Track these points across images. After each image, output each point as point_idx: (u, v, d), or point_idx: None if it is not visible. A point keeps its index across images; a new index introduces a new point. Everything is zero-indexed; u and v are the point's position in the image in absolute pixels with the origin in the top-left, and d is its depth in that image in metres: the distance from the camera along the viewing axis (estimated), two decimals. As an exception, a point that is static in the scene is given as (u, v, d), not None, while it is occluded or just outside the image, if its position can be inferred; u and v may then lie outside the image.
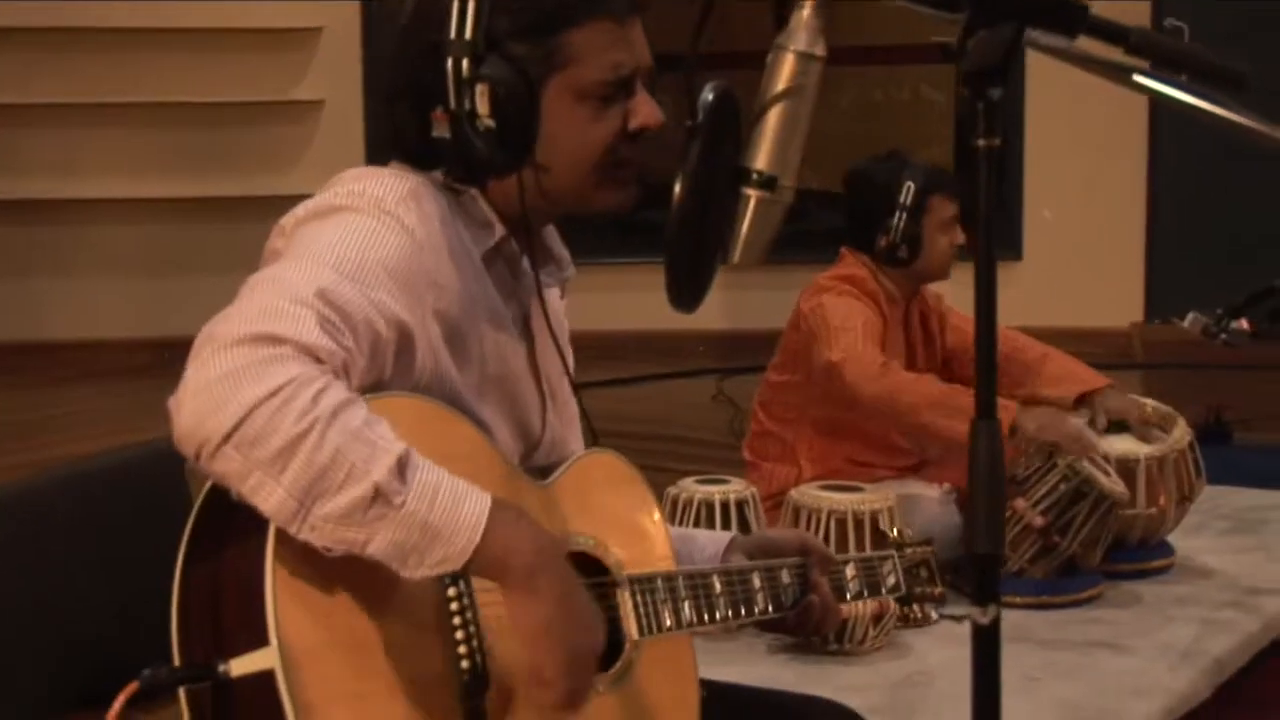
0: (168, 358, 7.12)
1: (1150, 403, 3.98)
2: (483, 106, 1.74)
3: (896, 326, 3.99)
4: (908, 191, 3.85)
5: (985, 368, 1.42)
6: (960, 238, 3.94)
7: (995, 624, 1.43)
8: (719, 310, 7.33)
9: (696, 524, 3.45)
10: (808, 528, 3.35)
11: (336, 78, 7.96)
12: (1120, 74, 1.59)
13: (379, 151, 1.89)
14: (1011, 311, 6.69)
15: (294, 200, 1.79)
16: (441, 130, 1.76)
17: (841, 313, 3.80)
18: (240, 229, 7.26)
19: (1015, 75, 7.62)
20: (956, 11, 1.44)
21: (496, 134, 1.75)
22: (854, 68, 9.21)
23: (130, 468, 2.14)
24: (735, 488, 3.54)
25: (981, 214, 1.42)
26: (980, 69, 1.39)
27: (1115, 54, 1.54)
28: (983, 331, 1.42)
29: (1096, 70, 1.59)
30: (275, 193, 7.31)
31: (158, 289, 8.02)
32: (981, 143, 1.40)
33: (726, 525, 3.43)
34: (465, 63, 1.74)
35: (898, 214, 3.85)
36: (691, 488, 3.53)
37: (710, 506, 3.47)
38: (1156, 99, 1.58)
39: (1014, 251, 8.11)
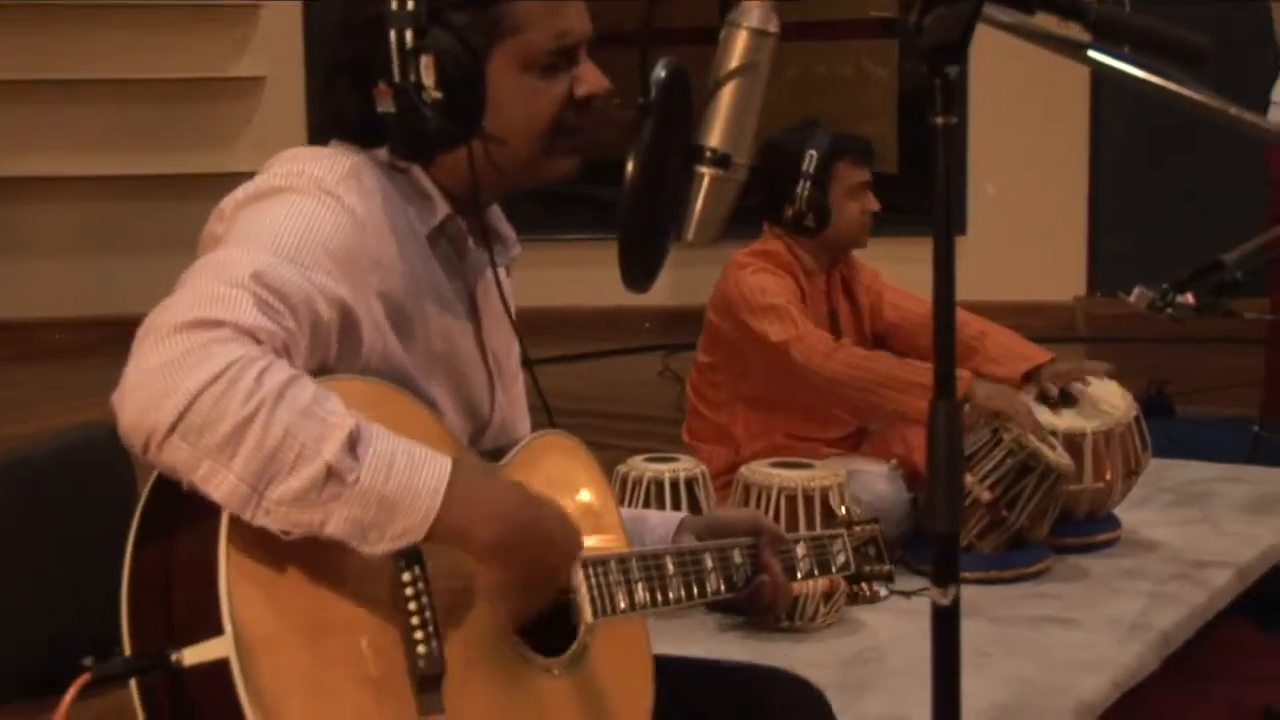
0: (109, 336, 7.10)
1: (1088, 362, 4.01)
2: (429, 78, 1.71)
3: (818, 298, 3.97)
4: (811, 159, 3.83)
5: (944, 347, 1.42)
6: (873, 204, 3.92)
7: (955, 604, 1.43)
8: (665, 286, 7.24)
9: (646, 502, 3.43)
10: (758, 505, 3.34)
11: (277, 54, 7.90)
12: (1074, 50, 1.59)
13: (321, 130, 1.86)
14: (956, 286, 6.74)
15: (236, 178, 1.76)
16: (386, 105, 1.73)
17: (761, 289, 3.79)
18: (182, 206, 7.20)
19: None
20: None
21: (444, 105, 1.72)
22: (797, 43, 9.21)
23: (74, 450, 2.12)
24: (685, 465, 3.53)
25: (939, 191, 1.41)
26: (939, 45, 1.38)
27: (1069, 29, 1.54)
28: (941, 311, 1.42)
29: (1051, 46, 1.59)
30: (217, 170, 7.25)
31: (99, 267, 7.94)
32: (940, 120, 1.39)
33: (676, 503, 3.42)
34: (409, 34, 1.71)
35: (801, 182, 3.83)
36: (641, 466, 3.52)
37: (660, 485, 3.46)
38: (1110, 74, 1.58)
39: (958, 226, 8.13)
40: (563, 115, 1.82)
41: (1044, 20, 1.52)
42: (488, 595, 1.66)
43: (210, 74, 7.90)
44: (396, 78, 1.71)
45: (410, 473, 1.55)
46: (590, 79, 1.83)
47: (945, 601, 1.42)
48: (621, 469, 3.52)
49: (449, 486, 1.56)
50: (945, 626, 1.43)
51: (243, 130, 7.97)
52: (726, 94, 1.65)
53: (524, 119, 1.80)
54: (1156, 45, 1.47)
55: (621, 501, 3.37)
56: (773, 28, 1.66)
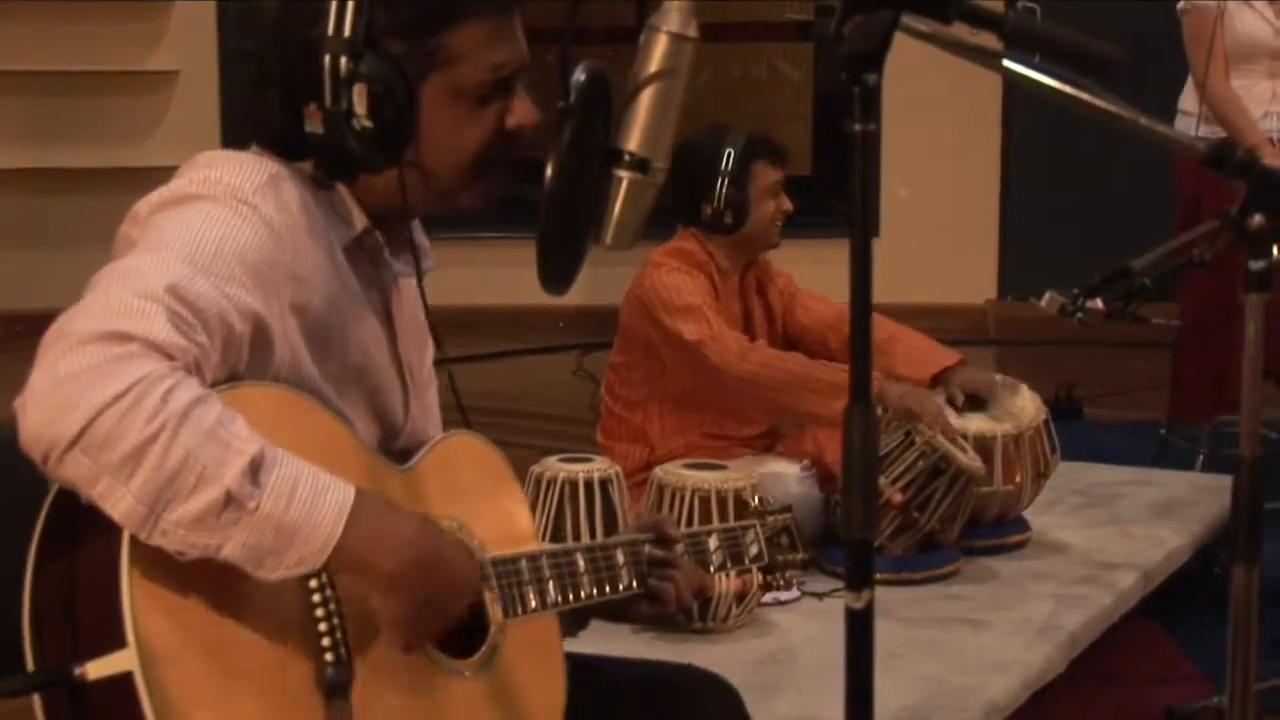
0: (18, 331, 7.01)
1: (999, 377, 4.04)
2: (360, 106, 1.69)
3: (731, 297, 4.00)
4: (729, 158, 3.86)
5: (861, 352, 1.43)
6: (786, 204, 3.95)
7: (869, 608, 1.44)
8: (580, 286, 7.20)
9: (560, 503, 3.43)
10: (671, 506, 3.35)
11: (191, 49, 7.83)
12: (990, 59, 1.60)
13: (236, 126, 1.84)
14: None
15: (150, 172, 1.75)
16: (314, 126, 1.71)
17: (676, 289, 3.80)
18: (93, 201, 7.13)
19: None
20: (831, -3, 1.44)
21: (373, 134, 1.70)
22: (712, 44, 9.24)
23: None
24: (599, 466, 3.53)
25: (857, 198, 1.43)
26: (857, 54, 1.39)
27: (984, 39, 1.56)
28: (858, 315, 1.42)
29: (967, 55, 1.60)
30: (129, 165, 7.18)
31: (7, 262, 7.84)
32: (858, 127, 1.40)
33: (591, 504, 3.41)
34: (344, 60, 1.69)
35: (720, 180, 3.86)
36: (555, 466, 3.51)
37: (574, 485, 3.45)
38: (1023, 83, 1.60)
39: (871, 229, 8.18)
40: (489, 145, 1.81)
41: (959, 29, 1.54)
42: (386, 624, 1.65)
43: (123, 67, 7.81)
44: (328, 102, 1.70)
45: (312, 501, 1.53)
46: (521, 111, 1.82)
47: (859, 606, 1.43)
48: (535, 469, 3.51)
49: (350, 517, 1.55)
50: (859, 630, 1.45)
51: (156, 125, 7.89)
52: (645, 98, 1.66)
53: (450, 149, 1.79)
54: (1069, 55, 1.49)
55: (535, 502, 3.38)
56: (692, 32, 1.67)
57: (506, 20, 1.79)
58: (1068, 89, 1.59)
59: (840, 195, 8.77)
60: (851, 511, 1.43)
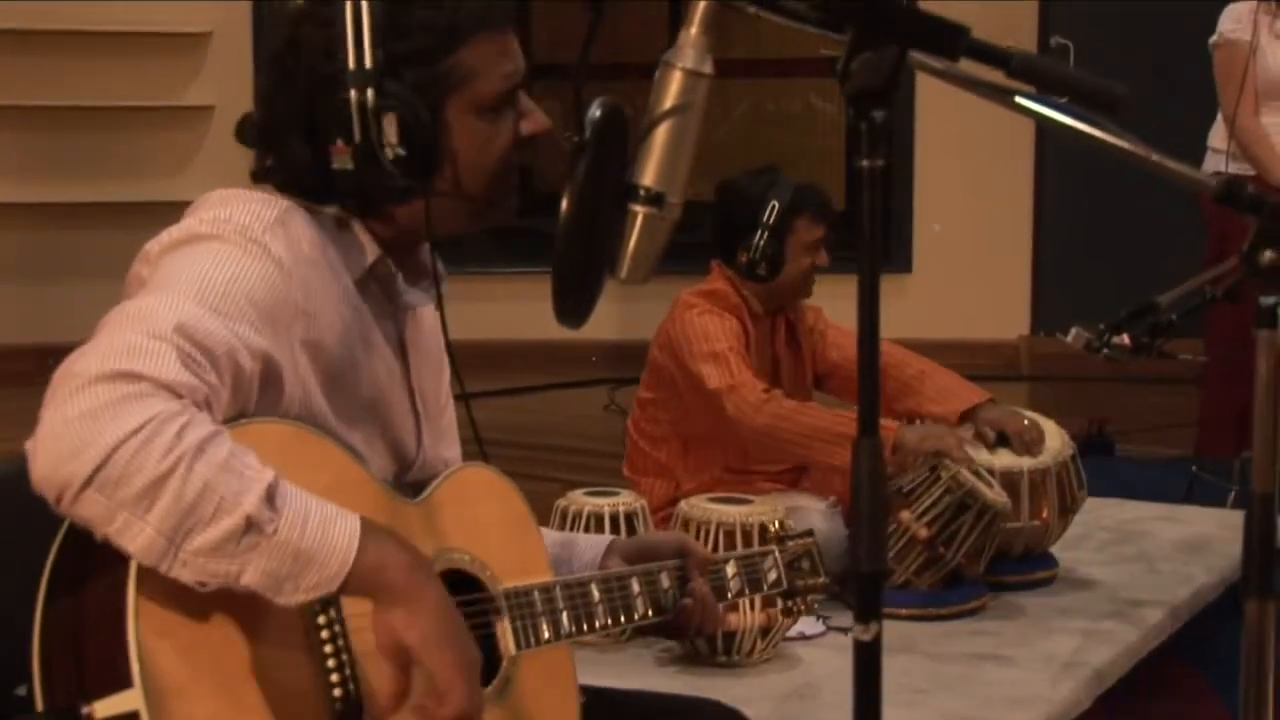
0: (51, 364, 7.02)
1: (1028, 414, 4.02)
2: (392, 136, 1.72)
3: (762, 341, 4.00)
4: (772, 210, 3.84)
5: (868, 386, 1.44)
6: (824, 260, 3.92)
7: (877, 640, 1.44)
8: (612, 321, 7.34)
9: (585, 536, 3.44)
10: (697, 540, 3.34)
11: (227, 83, 7.88)
12: (1003, 96, 1.61)
13: (265, 180, 1.85)
14: (902, 324, 6.78)
15: (183, 207, 1.76)
16: (343, 163, 1.74)
17: (706, 333, 3.81)
18: (129, 235, 7.12)
19: (905, 91, 7.75)
20: (841, 33, 1.46)
21: (405, 162, 1.73)
22: (747, 79, 9.27)
23: (6, 480, 2.10)
24: (624, 499, 3.54)
25: (866, 232, 1.43)
26: (865, 90, 1.41)
27: (999, 76, 1.57)
28: (866, 350, 1.43)
29: (981, 92, 1.61)
30: (164, 199, 7.21)
31: (43, 294, 7.90)
32: (865, 163, 1.41)
33: (615, 537, 3.43)
34: (370, 93, 1.72)
35: (759, 232, 3.85)
36: (580, 500, 3.53)
37: (599, 518, 3.47)
38: (1037, 120, 1.60)
39: (904, 265, 8.19)
40: (511, 156, 1.84)
41: (973, 67, 1.55)
42: (416, 648, 1.62)
43: (160, 102, 7.88)
44: (357, 137, 1.72)
45: (325, 527, 1.55)
46: (534, 118, 1.86)
47: (867, 638, 1.44)
48: (561, 502, 3.53)
49: (361, 540, 1.57)
50: (868, 662, 1.45)
51: (191, 159, 7.95)
52: (661, 133, 1.67)
53: (478, 164, 1.82)
54: (1075, 92, 1.49)
55: (560, 535, 3.39)
56: (707, 69, 1.68)
57: (507, 33, 1.83)
58: (1081, 125, 1.60)
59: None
60: (860, 545, 1.43)
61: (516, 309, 7.40)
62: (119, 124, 7.86)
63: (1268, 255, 1.58)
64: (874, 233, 1.42)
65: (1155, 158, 1.64)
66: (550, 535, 2.04)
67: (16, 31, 7.65)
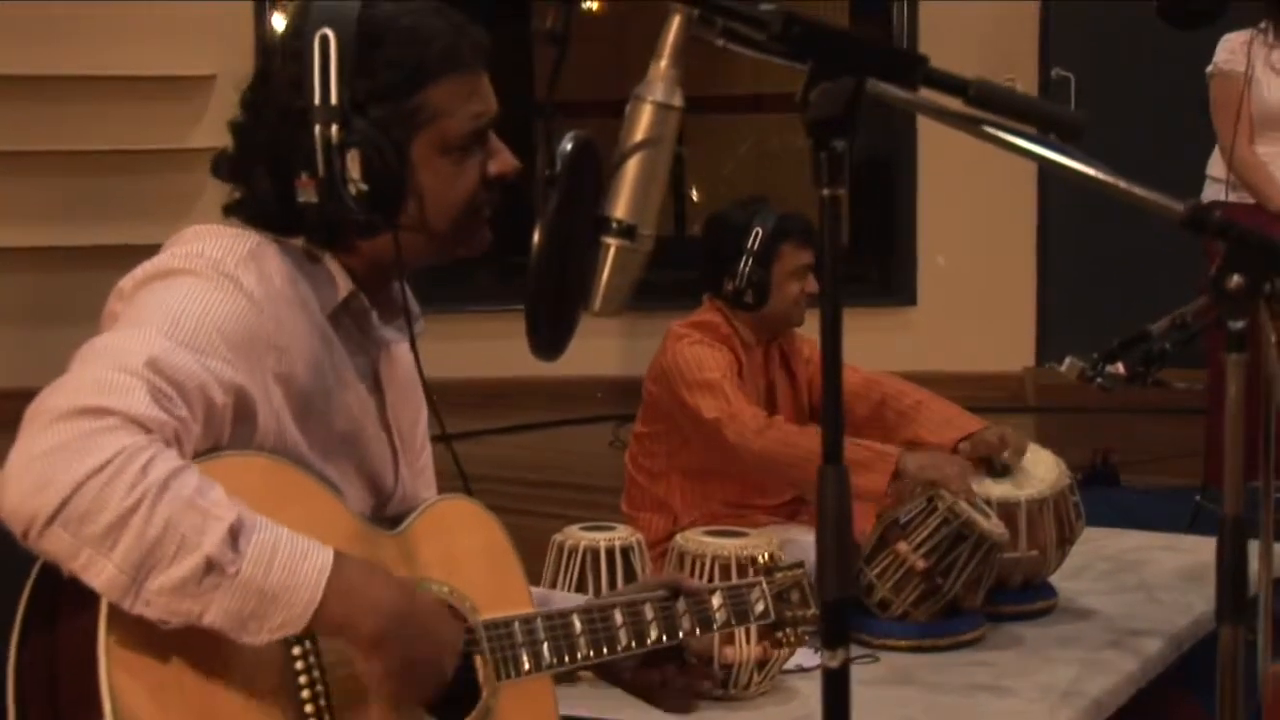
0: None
1: (1010, 431, 4.00)
2: (355, 171, 1.74)
3: (755, 371, 4.01)
4: (756, 237, 3.87)
5: (832, 413, 1.45)
6: (812, 286, 3.93)
7: (845, 667, 1.45)
8: (617, 357, 7.36)
9: (582, 571, 3.44)
10: (692, 573, 3.35)
11: (231, 126, 7.91)
12: (970, 124, 1.62)
13: (232, 214, 1.88)
14: (907, 357, 6.79)
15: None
16: (308, 196, 1.75)
17: (699, 363, 3.82)
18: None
19: (908, 126, 7.76)
20: (803, 63, 1.47)
21: (368, 197, 1.75)
22: (750, 115, 9.30)
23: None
24: (621, 534, 3.54)
25: (827, 261, 1.44)
26: (823, 120, 1.42)
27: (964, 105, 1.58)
28: (829, 377, 1.45)
29: (949, 121, 1.62)
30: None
31: (49, 338, 7.91)
32: (825, 192, 1.42)
33: (612, 572, 3.43)
34: (335, 129, 1.73)
35: (744, 259, 3.87)
36: (576, 534, 3.53)
37: (595, 553, 3.47)
38: (1003, 148, 1.61)
39: (909, 297, 8.20)
40: (477, 194, 1.86)
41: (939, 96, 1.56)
42: (373, 686, 1.66)
43: (164, 145, 7.91)
44: (321, 171, 1.74)
45: (292, 565, 1.55)
46: (502, 158, 1.88)
47: (835, 665, 1.44)
48: (558, 537, 3.53)
49: (330, 579, 1.57)
50: (836, 689, 1.46)
51: (196, 201, 7.97)
52: (632, 166, 1.68)
53: (442, 202, 1.84)
54: (1034, 119, 1.51)
55: (557, 570, 3.39)
56: (677, 102, 1.69)
57: (477, 74, 1.85)
58: (1049, 154, 1.61)
59: (875, 263, 8.81)
60: (827, 571, 1.44)
61: (521, 346, 7.39)
62: (124, 168, 7.89)
63: (1234, 280, 1.59)
64: (835, 260, 1.43)
65: (1124, 185, 1.65)
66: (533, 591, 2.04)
67: (21, 77, 7.69)
